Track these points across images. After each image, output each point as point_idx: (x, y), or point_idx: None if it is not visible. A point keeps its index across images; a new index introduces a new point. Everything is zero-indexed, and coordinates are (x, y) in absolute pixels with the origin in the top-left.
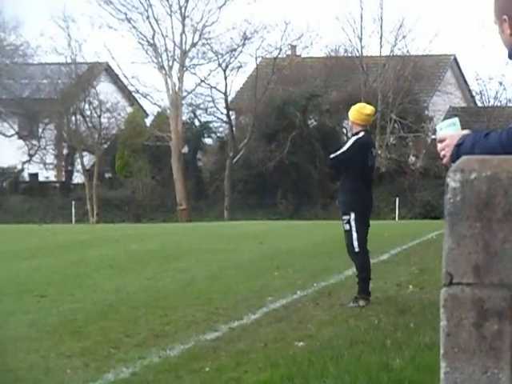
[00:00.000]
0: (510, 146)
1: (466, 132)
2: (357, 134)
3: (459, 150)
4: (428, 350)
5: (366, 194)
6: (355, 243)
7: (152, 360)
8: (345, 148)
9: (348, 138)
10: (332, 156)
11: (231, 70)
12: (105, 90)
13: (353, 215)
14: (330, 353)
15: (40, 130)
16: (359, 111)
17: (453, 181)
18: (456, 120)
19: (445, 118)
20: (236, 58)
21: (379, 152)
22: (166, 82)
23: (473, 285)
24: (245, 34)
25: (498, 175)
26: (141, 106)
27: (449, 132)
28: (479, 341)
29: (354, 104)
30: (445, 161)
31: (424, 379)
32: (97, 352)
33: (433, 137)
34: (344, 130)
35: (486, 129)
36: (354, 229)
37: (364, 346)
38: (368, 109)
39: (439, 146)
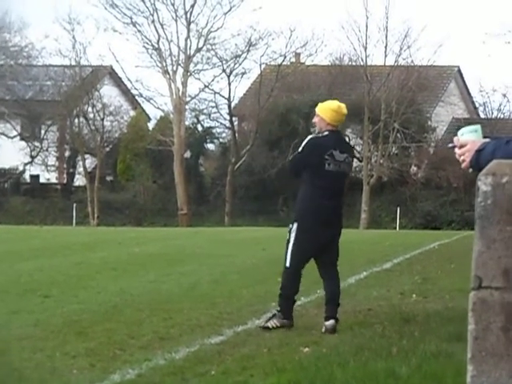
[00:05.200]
0: None
1: (486, 140)
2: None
3: (480, 156)
4: (434, 358)
5: (322, 205)
6: (288, 257)
7: (157, 362)
8: (299, 148)
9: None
10: (291, 157)
11: (235, 75)
12: (108, 93)
13: (295, 225)
14: (336, 359)
15: (42, 132)
16: (336, 111)
17: (484, 184)
18: (478, 127)
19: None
20: (240, 64)
21: (381, 161)
22: (170, 87)
23: (502, 289)
24: (250, 40)
25: None
26: (144, 110)
27: (470, 138)
28: (507, 345)
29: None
30: (464, 165)
31: None
32: (102, 353)
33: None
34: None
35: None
36: (292, 241)
37: (370, 352)
38: (343, 108)
39: (459, 151)
